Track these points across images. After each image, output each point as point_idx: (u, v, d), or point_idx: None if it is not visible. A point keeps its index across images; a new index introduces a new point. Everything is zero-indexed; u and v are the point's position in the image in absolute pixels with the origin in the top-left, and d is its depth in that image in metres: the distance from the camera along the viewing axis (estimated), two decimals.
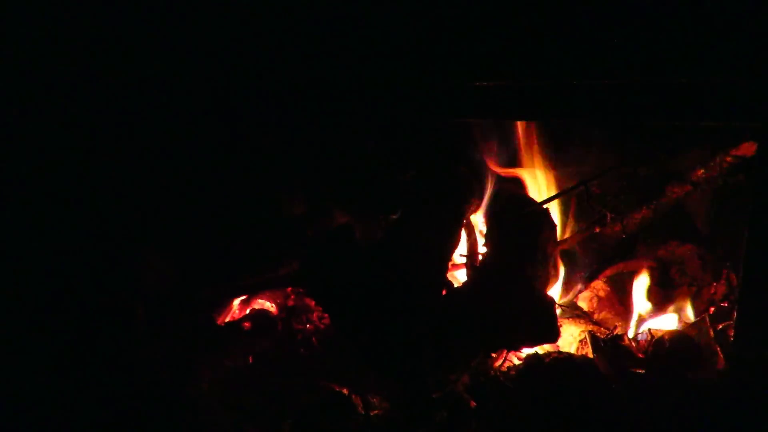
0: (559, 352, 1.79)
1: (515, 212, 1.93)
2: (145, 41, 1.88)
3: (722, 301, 2.04)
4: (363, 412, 1.69)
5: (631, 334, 1.94)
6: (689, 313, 2.01)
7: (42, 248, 1.92)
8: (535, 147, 2.10)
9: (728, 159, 1.80)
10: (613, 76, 1.24)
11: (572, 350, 1.88)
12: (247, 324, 2.13)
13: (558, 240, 2.02)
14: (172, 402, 1.75)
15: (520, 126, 2.09)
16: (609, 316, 2.16)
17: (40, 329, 1.86)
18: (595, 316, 2.15)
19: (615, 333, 1.82)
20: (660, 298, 2.12)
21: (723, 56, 1.14)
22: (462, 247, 2.04)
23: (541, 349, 1.86)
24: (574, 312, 2.07)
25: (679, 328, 1.86)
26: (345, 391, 1.72)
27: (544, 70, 1.31)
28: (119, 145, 2.01)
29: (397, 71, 1.54)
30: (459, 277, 2.15)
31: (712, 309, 2.01)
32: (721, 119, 1.22)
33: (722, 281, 2.10)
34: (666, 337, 1.66)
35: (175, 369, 1.86)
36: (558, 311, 1.84)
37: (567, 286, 2.17)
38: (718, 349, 1.71)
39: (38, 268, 1.91)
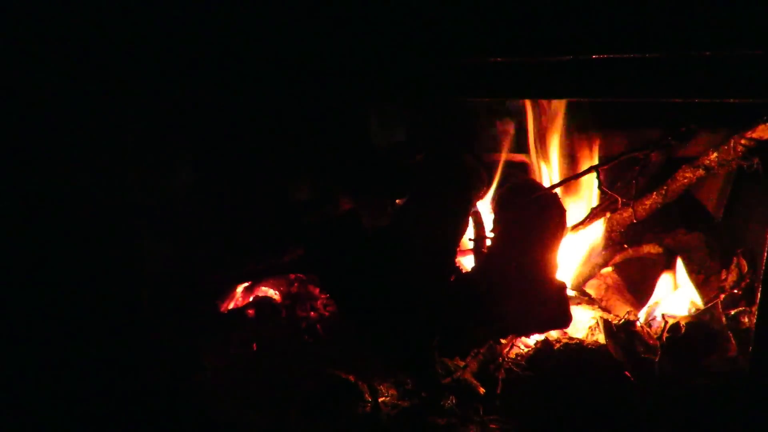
0: (570, 338, 1.76)
1: (524, 197, 1.90)
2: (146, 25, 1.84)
3: (733, 288, 2.01)
4: (370, 399, 1.66)
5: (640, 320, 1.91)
6: (697, 301, 1.98)
7: (46, 233, 1.89)
8: (544, 131, 2.06)
9: (743, 142, 1.76)
10: (633, 50, 1.20)
11: (581, 337, 1.86)
12: (251, 311, 2.12)
13: (568, 225, 1.99)
14: (177, 389, 1.73)
15: (528, 109, 2.06)
16: (617, 303, 2.13)
17: (44, 315, 1.83)
18: (604, 303, 2.13)
19: (627, 319, 1.79)
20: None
21: (747, 27, 1.10)
22: (470, 233, 2.01)
23: (550, 336, 1.83)
24: (582, 298, 2.04)
25: (690, 315, 1.83)
26: (351, 378, 1.70)
27: (560, 45, 1.26)
28: (123, 131, 1.97)
29: (405, 48, 1.49)
30: (467, 263, 2.12)
31: (723, 296, 1.98)
32: (745, 95, 1.17)
33: (733, 268, 2.07)
34: (682, 323, 1.64)
35: (180, 356, 1.84)
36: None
37: (576, 272, 2.14)
38: (731, 335, 1.68)
39: (42, 253, 1.88)
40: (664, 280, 2.07)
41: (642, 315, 1.92)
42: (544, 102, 2.01)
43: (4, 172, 1.83)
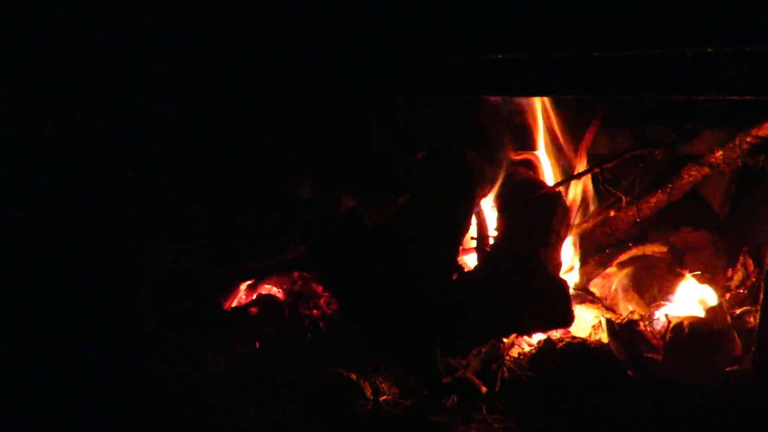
0: (573, 337, 1.75)
1: (527, 195, 1.89)
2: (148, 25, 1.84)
3: (739, 287, 1.99)
4: (371, 397, 1.66)
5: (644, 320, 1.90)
6: (704, 300, 1.97)
7: (48, 232, 1.90)
8: (548, 129, 2.05)
9: (748, 139, 1.75)
10: (635, 47, 1.19)
11: (584, 336, 1.85)
12: (253, 309, 2.11)
13: (572, 223, 1.98)
14: (179, 388, 1.73)
15: (532, 107, 2.04)
16: (621, 302, 2.12)
17: (46, 314, 1.84)
18: (607, 303, 2.11)
19: (630, 318, 1.78)
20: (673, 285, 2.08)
21: (750, 23, 1.08)
22: (472, 232, 2.00)
23: (552, 335, 1.82)
24: (586, 297, 2.03)
25: (694, 315, 1.82)
26: (353, 376, 1.70)
27: (561, 42, 1.25)
28: (123, 128, 1.98)
29: (405, 45, 1.48)
30: (470, 262, 2.11)
31: (728, 295, 1.96)
32: (748, 93, 1.16)
33: (738, 266, 2.05)
34: (685, 323, 1.62)
35: (182, 354, 1.85)
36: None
37: (580, 271, 2.12)
38: (736, 335, 1.67)
39: (44, 252, 1.89)
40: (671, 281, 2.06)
41: (646, 315, 1.91)
42: (550, 99, 1.99)
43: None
